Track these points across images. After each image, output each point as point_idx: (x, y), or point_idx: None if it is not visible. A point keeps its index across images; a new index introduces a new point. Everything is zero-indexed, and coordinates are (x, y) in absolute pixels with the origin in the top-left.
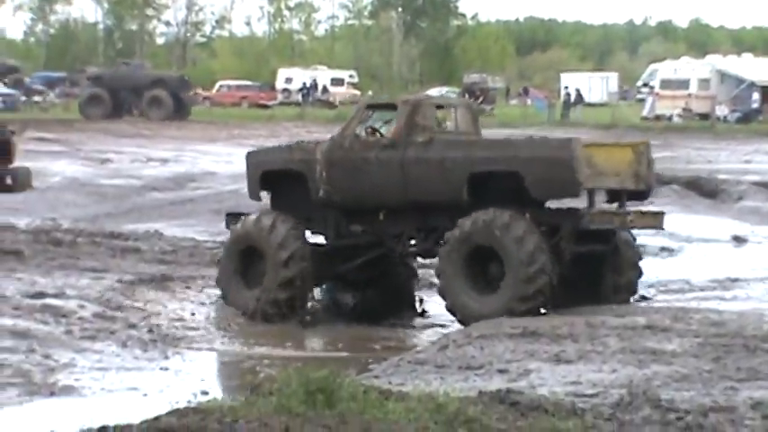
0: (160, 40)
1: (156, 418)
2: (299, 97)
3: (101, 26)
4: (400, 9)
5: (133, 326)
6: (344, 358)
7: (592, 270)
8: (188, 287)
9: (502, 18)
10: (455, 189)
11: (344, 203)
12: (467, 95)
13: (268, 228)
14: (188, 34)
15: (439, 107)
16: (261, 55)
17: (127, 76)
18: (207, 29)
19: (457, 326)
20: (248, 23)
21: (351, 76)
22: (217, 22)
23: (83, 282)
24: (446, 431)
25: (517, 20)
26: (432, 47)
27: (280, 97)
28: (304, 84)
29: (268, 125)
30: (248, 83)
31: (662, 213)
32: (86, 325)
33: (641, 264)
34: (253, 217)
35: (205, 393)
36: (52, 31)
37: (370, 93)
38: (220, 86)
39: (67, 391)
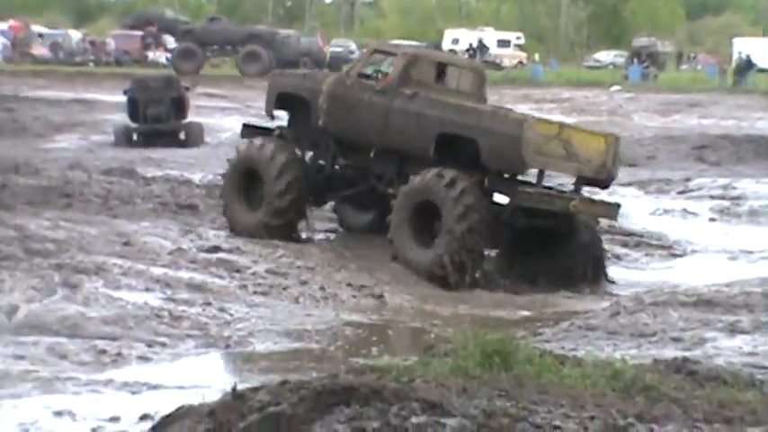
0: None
1: (335, 376)
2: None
3: None
4: None
5: (305, 283)
6: (514, 321)
7: (548, 246)
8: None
9: None
10: (425, 144)
11: (336, 136)
12: (635, 60)
13: (269, 155)
14: None
15: (441, 64)
16: (428, 15)
17: (219, 31)
18: None
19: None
20: None
21: (518, 38)
22: None
23: (255, 239)
24: (623, 398)
25: None
26: (600, 9)
27: None
28: (470, 44)
29: None
30: (415, 43)
31: (617, 205)
32: (259, 280)
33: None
34: (257, 142)
35: (377, 352)
36: None
37: (536, 55)
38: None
39: (242, 344)
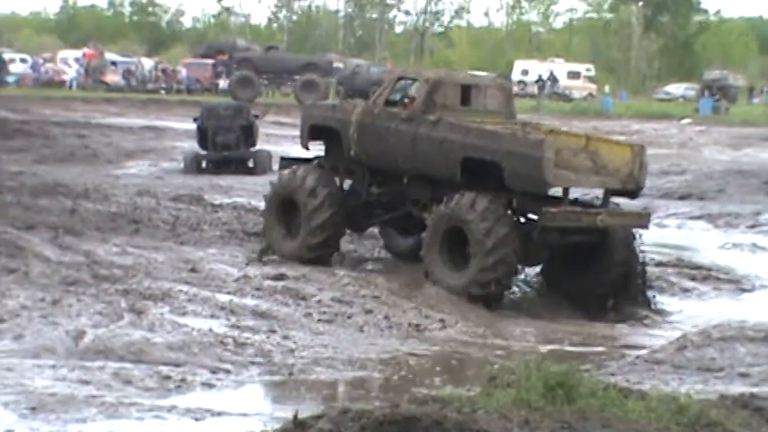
0: (399, 29)
1: (396, 406)
2: (535, 89)
3: (341, 14)
4: (640, 3)
5: (370, 311)
6: (578, 353)
7: (582, 262)
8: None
9: (746, 14)
10: (452, 169)
11: (369, 164)
12: (705, 93)
13: (301, 179)
14: (426, 24)
15: (465, 87)
16: (498, 46)
17: (276, 60)
18: (445, 19)
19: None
20: (486, 14)
21: (587, 70)
22: (455, 12)
23: (321, 266)
24: None
25: (761, 17)
26: (671, 42)
27: (515, 89)
28: (539, 76)
29: None
30: (484, 74)
31: (647, 213)
32: (324, 308)
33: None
34: (299, 172)
35: (441, 384)
36: (294, 17)
37: (606, 87)
38: None
39: (306, 372)
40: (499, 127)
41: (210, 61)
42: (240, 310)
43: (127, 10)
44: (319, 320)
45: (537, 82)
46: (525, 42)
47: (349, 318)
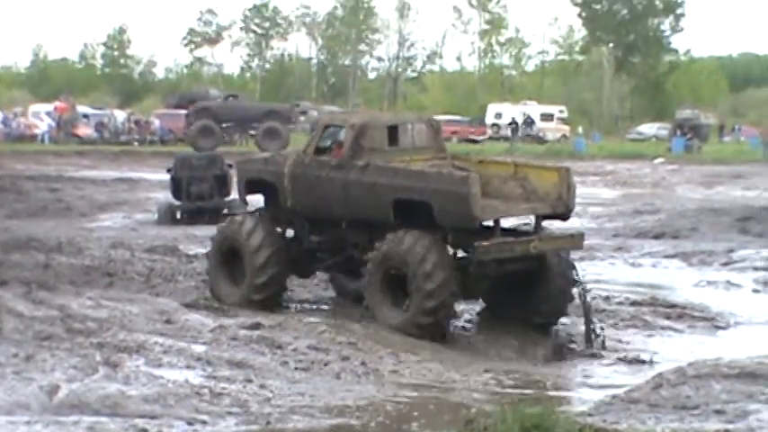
0: (372, 75)
1: None
2: (509, 132)
3: (314, 61)
4: (611, 45)
5: (346, 358)
6: (554, 395)
7: (525, 282)
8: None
9: (715, 53)
10: (384, 211)
11: (305, 213)
12: (677, 132)
13: (247, 231)
14: (399, 69)
15: (392, 127)
16: (470, 90)
17: (236, 108)
18: (418, 64)
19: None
20: (459, 59)
21: (560, 111)
22: (428, 57)
23: (297, 315)
24: None
25: (731, 55)
26: (643, 82)
27: (489, 132)
28: (513, 118)
29: None
30: (458, 118)
31: (580, 234)
32: (300, 356)
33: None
34: (237, 219)
35: (417, 427)
36: (267, 66)
37: (579, 128)
38: None
39: (283, 421)
40: (426, 166)
41: (183, 111)
42: (216, 360)
43: (98, 62)
44: (296, 368)
45: (510, 125)
46: (498, 86)
47: (325, 365)
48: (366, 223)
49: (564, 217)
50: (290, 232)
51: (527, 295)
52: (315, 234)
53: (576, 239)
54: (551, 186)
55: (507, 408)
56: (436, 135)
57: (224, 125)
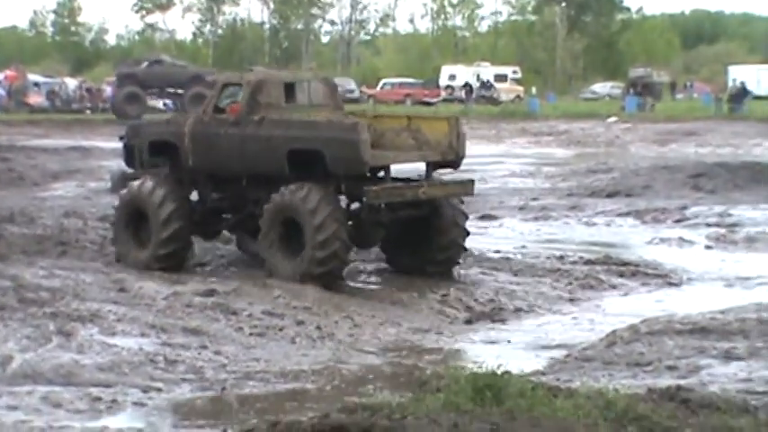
0: (325, 39)
1: (326, 415)
2: (463, 94)
3: (267, 26)
4: (564, 4)
5: (301, 323)
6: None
7: (420, 232)
8: (351, 287)
9: (667, 11)
10: (280, 164)
11: (207, 171)
12: (630, 90)
13: (149, 190)
14: (352, 32)
15: (288, 84)
16: (424, 52)
17: (161, 74)
18: (371, 27)
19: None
20: (411, 21)
21: (514, 72)
22: (381, 19)
23: (251, 281)
24: (616, 428)
25: (683, 12)
26: (596, 41)
27: (443, 94)
28: (466, 81)
29: None
30: (412, 80)
31: (470, 181)
32: (255, 322)
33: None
34: (139, 181)
35: (371, 392)
36: (220, 31)
37: (533, 89)
38: (384, 84)
39: (238, 386)
40: (318, 117)
41: None
42: (170, 327)
43: (49, 30)
44: (251, 334)
45: (464, 87)
46: (451, 47)
47: (280, 330)
48: (264, 178)
49: (454, 164)
50: (195, 196)
51: (422, 245)
52: (216, 192)
53: (466, 186)
54: (442, 136)
55: (459, 369)
56: (333, 93)
57: (149, 91)
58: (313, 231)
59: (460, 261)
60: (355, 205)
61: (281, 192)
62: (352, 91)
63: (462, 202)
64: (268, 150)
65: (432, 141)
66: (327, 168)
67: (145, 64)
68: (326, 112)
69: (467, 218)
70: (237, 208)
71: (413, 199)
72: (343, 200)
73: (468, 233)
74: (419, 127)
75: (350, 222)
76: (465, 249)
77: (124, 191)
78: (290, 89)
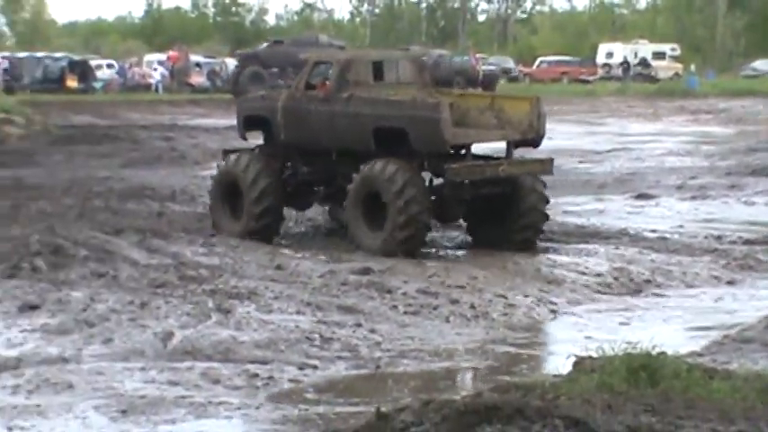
0: (481, 18)
1: (479, 394)
2: (620, 72)
3: (423, 5)
4: None
5: (456, 302)
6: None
7: (498, 210)
8: (504, 266)
9: None
10: (366, 140)
11: (298, 146)
12: None
13: (243, 166)
14: (509, 11)
15: (376, 63)
16: (581, 30)
17: (282, 54)
18: (527, 5)
19: None
20: None
21: (673, 50)
22: None
23: (406, 259)
24: None
25: None
26: (758, 18)
27: (600, 72)
28: (624, 57)
29: (588, 100)
30: (568, 58)
31: (550, 159)
32: (410, 300)
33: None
34: (233, 156)
35: (527, 370)
36: (377, 11)
37: (692, 66)
38: (540, 62)
39: (393, 365)
40: (403, 95)
41: None
42: (326, 305)
43: (210, 11)
44: (405, 313)
45: (622, 64)
46: (609, 25)
47: (435, 309)
48: (352, 153)
49: (535, 143)
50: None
51: (503, 220)
52: (307, 166)
53: (545, 164)
54: (524, 115)
55: (615, 349)
56: (421, 71)
57: (271, 71)
58: (395, 208)
59: (542, 230)
60: (438, 181)
61: (364, 167)
62: (510, 70)
63: (545, 186)
64: (355, 127)
65: (514, 120)
66: (411, 146)
67: (265, 44)
68: (413, 90)
69: (548, 202)
70: (327, 181)
71: (492, 176)
72: (427, 175)
73: (548, 201)
74: (502, 106)
75: (433, 197)
76: (546, 217)
77: (221, 163)
78: (378, 68)
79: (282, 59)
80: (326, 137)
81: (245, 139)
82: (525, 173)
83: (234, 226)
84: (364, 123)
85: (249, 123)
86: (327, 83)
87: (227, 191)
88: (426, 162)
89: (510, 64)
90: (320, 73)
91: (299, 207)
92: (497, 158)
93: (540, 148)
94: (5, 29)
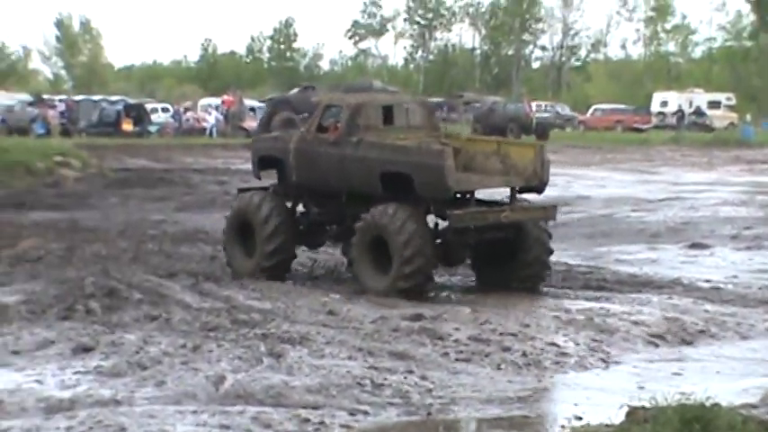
0: (535, 65)
1: None
2: (674, 121)
3: (477, 52)
4: None
5: (507, 349)
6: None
7: (504, 255)
8: (556, 314)
9: None
10: (374, 184)
11: (309, 187)
12: None
13: (256, 205)
14: (563, 58)
15: (386, 107)
16: (636, 78)
17: (312, 100)
18: (582, 52)
19: None
20: (624, 47)
21: (728, 99)
22: (592, 45)
23: (459, 306)
24: None
25: None
26: None
27: (655, 121)
28: (679, 106)
29: (642, 149)
30: (622, 106)
31: (553, 206)
32: (461, 347)
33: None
34: (247, 196)
35: (578, 419)
36: (431, 57)
37: (747, 116)
38: (595, 110)
39: (444, 411)
40: (409, 142)
41: None
42: (377, 351)
43: (265, 56)
44: (456, 359)
45: (676, 113)
46: (664, 74)
47: (486, 356)
48: (361, 196)
49: (538, 189)
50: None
51: (508, 263)
52: (318, 207)
53: (547, 210)
54: (528, 162)
55: (668, 398)
56: (430, 115)
57: (302, 116)
58: (400, 250)
59: (545, 279)
60: (444, 224)
61: (371, 211)
62: (569, 117)
63: (550, 236)
64: (363, 171)
65: (519, 167)
66: (416, 191)
67: (297, 89)
68: (422, 134)
69: (551, 237)
70: (337, 222)
71: (495, 222)
72: (433, 219)
73: (551, 251)
74: (507, 152)
75: (438, 241)
76: (549, 267)
77: (235, 202)
78: (388, 112)
79: (312, 104)
80: (336, 179)
81: (259, 178)
82: (528, 219)
83: (247, 264)
84: (372, 167)
85: (263, 163)
86: (338, 126)
87: (241, 229)
88: (432, 206)
89: (567, 110)
90: (332, 116)
91: (312, 246)
92: (501, 204)
93: (593, 195)
94: (63, 72)
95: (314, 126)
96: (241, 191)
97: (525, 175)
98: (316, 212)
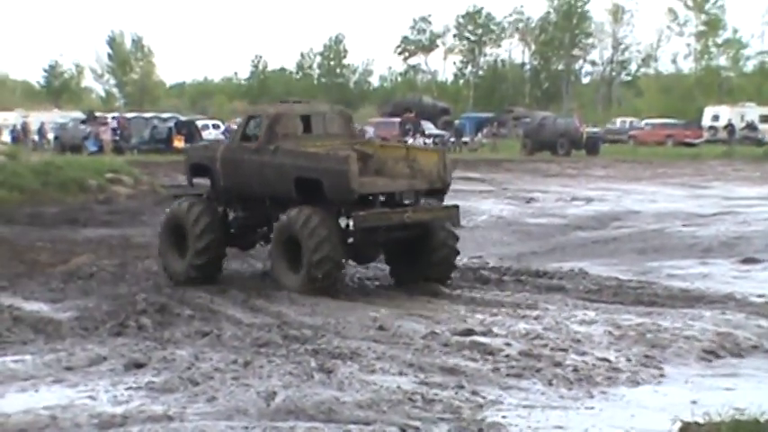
0: (585, 80)
1: None
2: (725, 135)
3: (527, 67)
4: None
5: (559, 364)
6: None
7: (414, 251)
8: (608, 329)
9: None
10: (289, 189)
11: (235, 192)
12: None
13: (187, 208)
14: (613, 73)
15: (305, 116)
16: (687, 92)
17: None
18: (632, 67)
19: None
20: (674, 61)
21: None
22: (643, 60)
23: (509, 320)
24: None
25: None
26: None
27: (706, 135)
28: (729, 120)
29: (693, 163)
30: (673, 121)
31: (455, 207)
32: (513, 363)
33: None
34: (180, 201)
35: None
36: (481, 72)
37: None
38: (645, 124)
39: (496, 427)
40: (320, 149)
41: (397, 119)
42: (428, 366)
43: (315, 72)
44: (508, 375)
45: (726, 127)
46: (715, 88)
47: (537, 371)
48: (281, 200)
49: (441, 192)
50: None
51: (417, 261)
52: (244, 211)
53: (450, 211)
54: (433, 165)
55: (721, 415)
56: (347, 124)
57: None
58: (309, 248)
59: (452, 277)
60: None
61: (287, 214)
62: (622, 131)
63: (455, 225)
64: (280, 176)
65: (424, 170)
66: (325, 194)
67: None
68: (339, 142)
69: (457, 239)
70: (263, 224)
71: (398, 223)
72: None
73: (458, 252)
74: (415, 156)
75: (350, 240)
76: (455, 267)
77: (168, 208)
78: (306, 120)
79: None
80: (257, 185)
81: (191, 184)
82: (431, 219)
83: (180, 265)
84: (287, 174)
85: (195, 170)
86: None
87: (175, 232)
88: (342, 209)
89: (617, 125)
90: (255, 126)
91: (243, 247)
92: (405, 205)
93: (644, 210)
94: (115, 90)
95: (239, 135)
96: (175, 197)
97: (430, 178)
98: (243, 216)
